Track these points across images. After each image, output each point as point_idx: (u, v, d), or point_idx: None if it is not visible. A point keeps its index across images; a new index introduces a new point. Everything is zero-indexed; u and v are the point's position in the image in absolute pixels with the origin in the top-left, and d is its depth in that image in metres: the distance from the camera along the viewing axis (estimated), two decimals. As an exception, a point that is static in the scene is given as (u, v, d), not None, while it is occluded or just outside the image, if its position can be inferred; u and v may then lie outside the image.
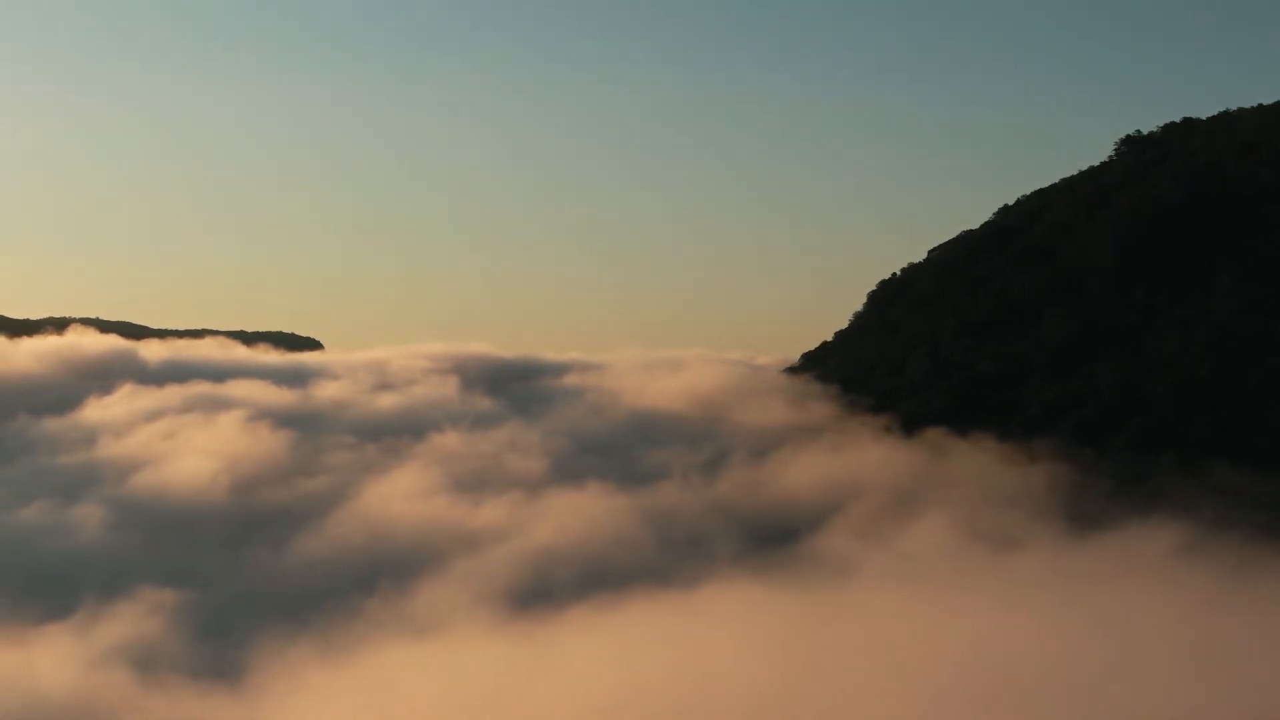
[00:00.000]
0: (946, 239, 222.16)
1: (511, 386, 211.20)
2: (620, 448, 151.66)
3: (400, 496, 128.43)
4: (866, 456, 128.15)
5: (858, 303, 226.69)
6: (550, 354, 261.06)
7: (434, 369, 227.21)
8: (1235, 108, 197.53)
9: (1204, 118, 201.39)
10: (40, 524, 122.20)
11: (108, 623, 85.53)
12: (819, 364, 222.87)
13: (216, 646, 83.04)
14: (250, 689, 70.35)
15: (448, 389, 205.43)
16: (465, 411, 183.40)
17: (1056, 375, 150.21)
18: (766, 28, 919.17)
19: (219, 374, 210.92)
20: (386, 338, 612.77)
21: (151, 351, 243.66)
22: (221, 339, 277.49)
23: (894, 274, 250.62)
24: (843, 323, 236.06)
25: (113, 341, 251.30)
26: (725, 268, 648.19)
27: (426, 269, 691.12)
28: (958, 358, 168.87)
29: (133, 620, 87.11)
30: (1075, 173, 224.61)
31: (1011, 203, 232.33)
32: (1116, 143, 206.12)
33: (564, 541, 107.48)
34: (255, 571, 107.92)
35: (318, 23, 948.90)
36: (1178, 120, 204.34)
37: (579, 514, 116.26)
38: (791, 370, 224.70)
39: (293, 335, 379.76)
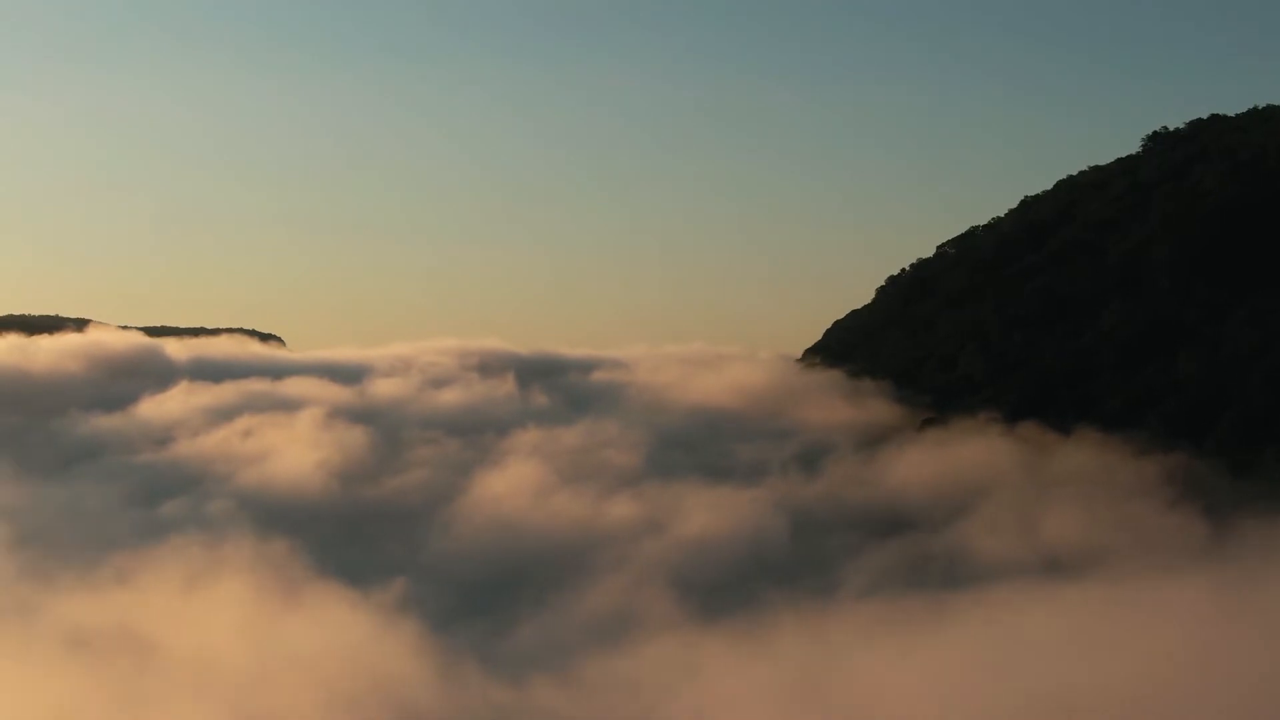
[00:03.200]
0: (939, 234, 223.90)
1: (555, 382, 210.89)
2: (702, 443, 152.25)
3: (518, 492, 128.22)
4: (971, 451, 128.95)
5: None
6: (564, 349, 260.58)
7: (463, 365, 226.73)
8: (1263, 104, 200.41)
9: (1232, 114, 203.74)
10: (187, 519, 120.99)
11: (351, 612, 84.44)
12: (845, 359, 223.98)
13: (468, 637, 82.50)
14: (543, 678, 70.19)
15: (502, 385, 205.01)
16: (529, 407, 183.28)
17: (1129, 370, 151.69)
18: (756, 27, 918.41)
19: (274, 372, 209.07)
20: (355, 335, 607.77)
21: (174, 349, 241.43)
22: (237, 336, 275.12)
23: (903, 269, 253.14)
24: (832, 316, 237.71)
25: (136, 339, 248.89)
26: (713, 263, 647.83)
27: (390, 266, 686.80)
28: (1015, 354, 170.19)
29: (374, 609, 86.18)
30: (1086, 167, 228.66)
31: (1021, 198, 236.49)
32: (1144, 138, 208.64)
33: (721, 536, 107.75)
34: (428, 564, 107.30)
35: (315, 20, 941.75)
36: (1205, 116, 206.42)
37: (717, 509, 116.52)
38: (823, 365, 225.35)
39: (255, 332, 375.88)
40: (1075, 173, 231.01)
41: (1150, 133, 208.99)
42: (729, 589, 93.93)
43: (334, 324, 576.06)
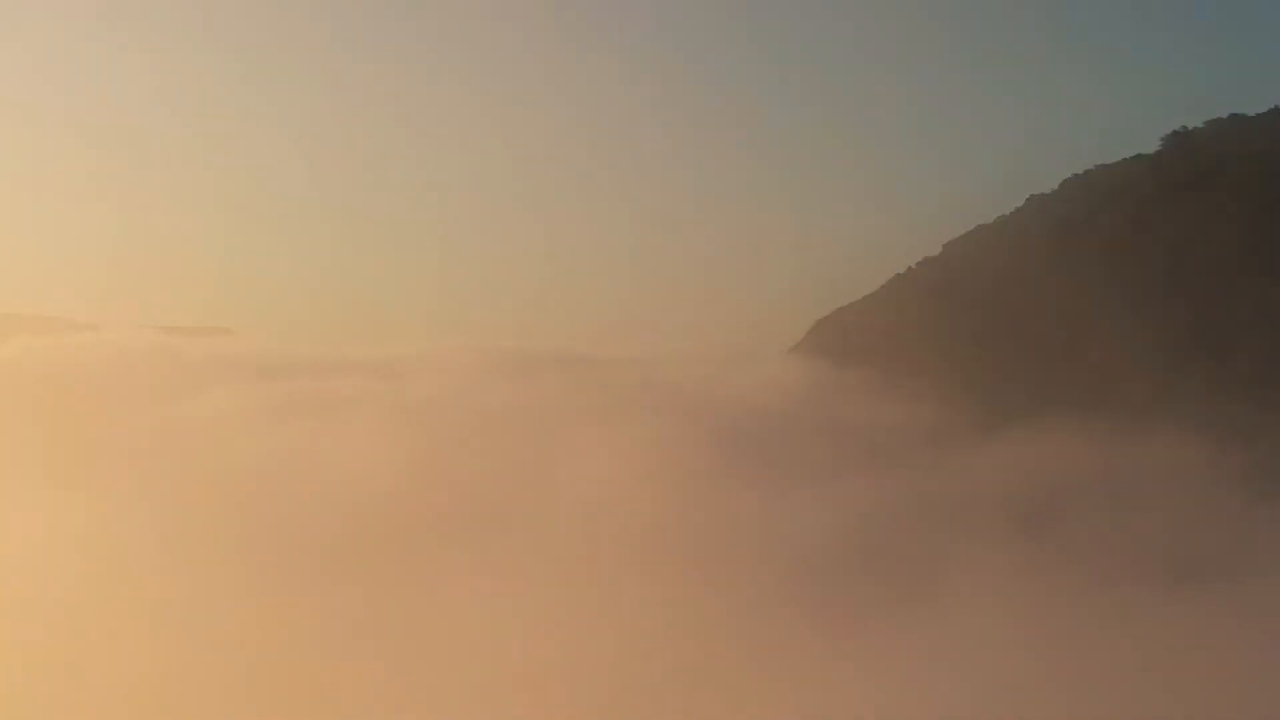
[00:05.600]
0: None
1: (587, 379, 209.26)
2: (767, 440, 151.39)
3: (608, 488, 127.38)
4: (1052, 447, 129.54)
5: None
6: (575, 346, 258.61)
7: (484, 362, 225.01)
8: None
9: (1251, 114, 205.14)
10: (299, 516, 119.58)
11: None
12: (863, 357, 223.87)
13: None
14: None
15: (545, 382, 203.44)
16: (578, 404, 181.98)
17: (1186, 367, 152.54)
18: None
19: (306, 369, 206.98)
20: (327, 334, 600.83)
21: (192, 347, 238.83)
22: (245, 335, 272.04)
23: (909, 267, 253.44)
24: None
25: (154, 337, 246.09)
26: (695, 260, 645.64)
27: (360, 264, 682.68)
28: (1061, 352, 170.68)
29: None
30: (1092, 166, 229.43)
31: (1027, 197, 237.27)
32: (1163, 137, 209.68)
33: (838, 531, 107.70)
34: (555, 560, 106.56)
35: (326, 20, 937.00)
36: (1224, 116, 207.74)
37: (818, 505, 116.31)
38: (845, 364, 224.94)
39: (217, 329, 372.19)
40: (1081, 172, 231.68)
41: (1170, 131, 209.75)
42: (871, 583, 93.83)
43: (303, 322, 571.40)
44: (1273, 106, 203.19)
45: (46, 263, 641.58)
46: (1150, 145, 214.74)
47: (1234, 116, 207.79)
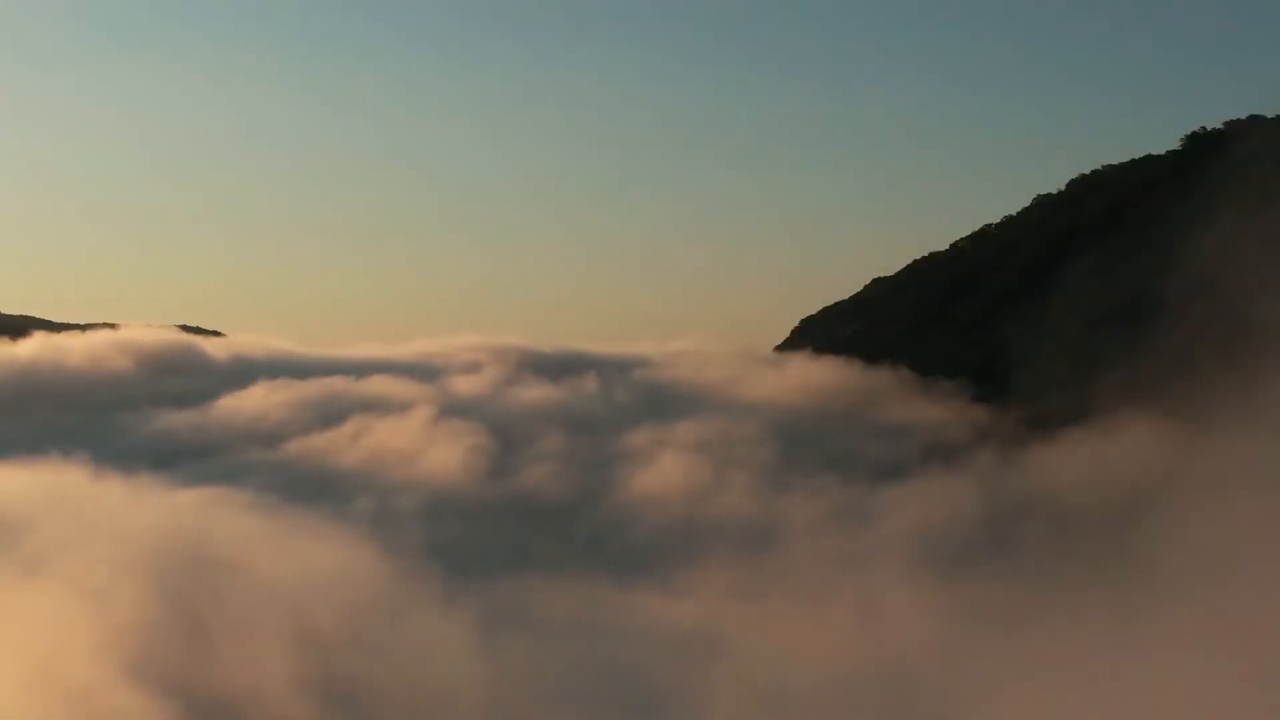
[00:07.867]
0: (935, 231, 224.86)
1: (611, 379, 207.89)
2: (821, 441, 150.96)
3: (690, 487, 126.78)
4: (1118, 447, 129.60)
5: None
6: (585, 346, 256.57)
7: (502, 361, 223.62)
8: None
9: (1269, 116, 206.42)
10: (389, 517, 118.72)
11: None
12: (886, 355, 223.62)
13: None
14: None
15: (584, 382, 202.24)
16: (618, 404, 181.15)
17: (1230, 368, 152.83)
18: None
19: (323, 369, 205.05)
20: (305, 333, 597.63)
21: (213, 347, 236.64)
22: (263, 334, 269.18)
23: (910, 265, 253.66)
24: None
25: (172, 335, 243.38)
26: (680, 258, 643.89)
27: (344, 263, 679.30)
28: (1097, 352, 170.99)
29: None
30: (1100, 166, 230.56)
31: (1034, 196, 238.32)
32: (1182, 138, 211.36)
33: (927, 529, 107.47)
34: (660, 560, 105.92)
35: (332, 15, 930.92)
36: (1243, 117, 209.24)
37: (902, 504, 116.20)
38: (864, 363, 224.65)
39: (198, 328, 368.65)
40: (1088, 171, 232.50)
41: (1189, 132, 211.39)
42: (978, 578, 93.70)
43: (313, 322, 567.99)
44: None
45: (55, 264, 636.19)
46: (1163, 145, 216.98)
47: (1253, 118, 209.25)
